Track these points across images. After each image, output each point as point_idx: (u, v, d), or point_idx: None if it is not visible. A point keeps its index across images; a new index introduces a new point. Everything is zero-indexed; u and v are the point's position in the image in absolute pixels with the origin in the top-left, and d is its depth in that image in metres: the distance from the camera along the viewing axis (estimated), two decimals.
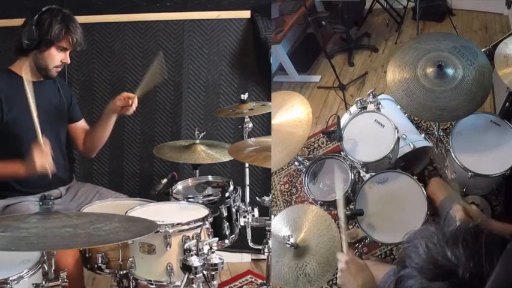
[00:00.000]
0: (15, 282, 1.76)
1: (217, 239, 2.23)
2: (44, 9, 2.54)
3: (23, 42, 2.53)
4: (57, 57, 2.58)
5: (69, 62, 2.64)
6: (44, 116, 2.64)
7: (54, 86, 2.75)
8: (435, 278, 1.00)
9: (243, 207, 2.69)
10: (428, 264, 1.01)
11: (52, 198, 1.86)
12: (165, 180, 2.63)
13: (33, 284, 1.81)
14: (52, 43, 2.53)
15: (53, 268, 1.82)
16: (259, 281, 3.34)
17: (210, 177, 2.83)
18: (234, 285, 3.38)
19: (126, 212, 2.28)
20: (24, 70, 2.59)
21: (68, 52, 2.60)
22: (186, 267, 2.01)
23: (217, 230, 2.48)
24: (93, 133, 2.85)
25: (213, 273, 2.06)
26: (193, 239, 2.13)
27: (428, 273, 1.01)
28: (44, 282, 1.82)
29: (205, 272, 2.04)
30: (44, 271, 1.85)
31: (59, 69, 2.63)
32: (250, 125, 2.95)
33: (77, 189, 2.82)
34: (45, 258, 1.83)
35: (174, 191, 2.66)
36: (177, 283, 2.13)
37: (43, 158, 2.37)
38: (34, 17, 2.51)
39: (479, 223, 1.08)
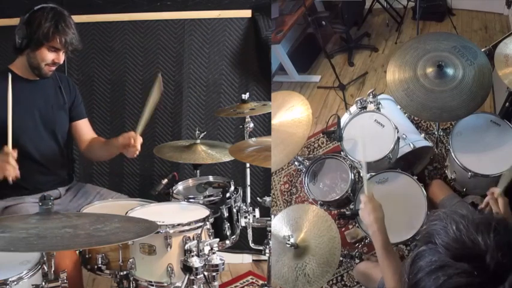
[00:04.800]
0: (15, 283, 1.75)
1: (218, 239, 2.23)
2: (36, 8, 2.51)
3: (16, 41, 2.52)
4: (48, 57, 2.54)
5: (61, 62, 2.59)
6: (40, 115, 2.64)
7: (53, 84, 2.73)
8: (461, 258, 0.98)
9: (244, 207, 2.69)
10: (457, 243, 0.99)
11: (52, 198, 1.86)
12: (165, 181, 2.63)
13: (32, 285, 1.81)
14: (41, 43, 2.49)
15: (53, 269, 1.82)
16: (260, 282, 3.34)
17: (210, 178, 2.83)
18: (235, 286, 3.38)
19: (127, 213, 2.28)
20: (19, 68, 2.59)
21: (60, 52, 2.56)
22: (187, 268, 2.01)
23: (218, 231, 2.48)
24: (96, 152, 2.85)
25: (214, 274, 2.06)
26: (194, 239, 2.13)
27: (454, 252, 0.99)
28: (43, 283, 1.82)
29: (206, 273, 2.04)
30: (43, 272, 1.85)
31: (52, 68, 2.59)
32: (251, 124, 2.95)
33: (77, 190, 2.81)
34: (44, 259, 1.83)
35: (174, 192, 2.66)
36: (178, 284, 2.12)
37: (5, 162, 2.33)
38: (26, 15, 2.49)
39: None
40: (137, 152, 2.62)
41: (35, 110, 2.63)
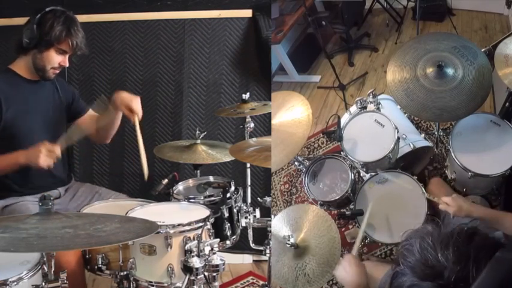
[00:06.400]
0: (15, 283, 1.75)
1: (218, 240, 2.23)
2: (47, 9, 2.52)
3: (23, 41, 2.51)
4: (55, 59, 2.55)
5: (67, 65, 2.61)
6: (41, 116, 2.65)
7: (51, 85, 2.74)
8: (425, 277, 1.04)
9: (245, 207, 2.69)
10: (420, 263, 1.06)
11: (52, 198, 1.86)
12: (165, 181, 2.64)
13: (32, 285, 1.80)
14: (52, 44, 2.51)
15: (53, 269, 1.82)
16: (261, 282, 3.34)
17: (211, 178, 2.83)
18: (236, 287, 3.38)
19: (127, 213, 2.28)
20: (22, 69, 2.59)
21: (67, 55, 2.58)
22: (187, 269, 2.01)
23: (218, 231, 2.48)
24: (101, 128, 2.83)
25: (214, 274, 2.07)
26: (194, 239, 2.13)
27: (419, 272, 1.05)
28: (43, 284, 1.82)
29: (206, 273, 2.04)
30: (43, 272, 1.85)
31: (57, 71, 2.60)
32: (252, 124, 2.95)
33: (76, 190, 2.82)
34: (44, 259, 1.83)
35: (174, 192, 2.66)
36: (178, 284, 2.12)
37: (50, 157, 2.40)
38: (36, 16, 2.49)
39: (476, 226, 1.12)
40: (140, 113, 2.60)
41: (37, 110, 2.64)
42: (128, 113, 2.60)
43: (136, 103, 2.59)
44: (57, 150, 2.44)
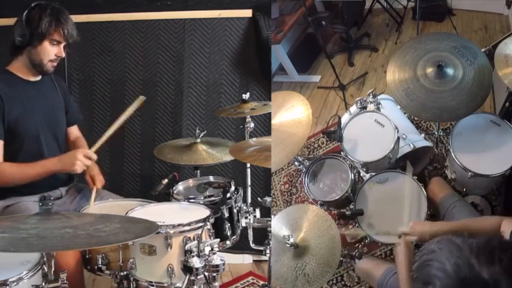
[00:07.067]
0: (15, 283, 1.75)
1: (218, 240, 2.23)
2: (33, 4, 2.53)
3: (16, 40, 2.53)
4: (51, 51, 2.56)
5: (63, 55, 2.62)
6: (43, 115, 2.65)
7: (51, 85, 2.75)
8: None
9: (245, 207, 2.69)
10: (460, 284, 0.89)
11: (52, 198, 1.86)
12: (165, 181, 2.63)
13: (32, 286, 1.80)
14: (44, 37, 2.52)
15: (53, 269, 1.82)
16: (261, 282, 3.34)
17: (211, 178, 2.83)
18: (236, 287, 3.38)
19: (127, 213, 2.28)
20: (19, 69, 2.59)
21: (61, 45, 2.59)
22: (187, 269, 2.01)
23: (218, 231, 2.48)
24: None
25: (214, 274, 2.07)
26: (194, 240, 2.13)
27: None
28: (43, 284, 1.82)
29: (206, 274, 2.04)
30: (43, 272, 1.85)
31: (55, 63, 2.61)
32: (252, 124, 2.95)
33: (78, 191, 2.81)
34: (44, 259, 1.83)
35: (174, 192, 2.66)
36: (178, 284, 2.12)
37: (86, 163, 2.49)
38: (24, 13, 2.51)
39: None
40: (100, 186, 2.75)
41: (38, 111, 2.64)
42: (89, 180, 2.73)
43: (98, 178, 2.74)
44: (93, 155, 2.52)
